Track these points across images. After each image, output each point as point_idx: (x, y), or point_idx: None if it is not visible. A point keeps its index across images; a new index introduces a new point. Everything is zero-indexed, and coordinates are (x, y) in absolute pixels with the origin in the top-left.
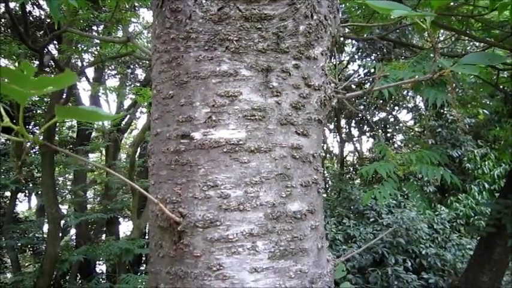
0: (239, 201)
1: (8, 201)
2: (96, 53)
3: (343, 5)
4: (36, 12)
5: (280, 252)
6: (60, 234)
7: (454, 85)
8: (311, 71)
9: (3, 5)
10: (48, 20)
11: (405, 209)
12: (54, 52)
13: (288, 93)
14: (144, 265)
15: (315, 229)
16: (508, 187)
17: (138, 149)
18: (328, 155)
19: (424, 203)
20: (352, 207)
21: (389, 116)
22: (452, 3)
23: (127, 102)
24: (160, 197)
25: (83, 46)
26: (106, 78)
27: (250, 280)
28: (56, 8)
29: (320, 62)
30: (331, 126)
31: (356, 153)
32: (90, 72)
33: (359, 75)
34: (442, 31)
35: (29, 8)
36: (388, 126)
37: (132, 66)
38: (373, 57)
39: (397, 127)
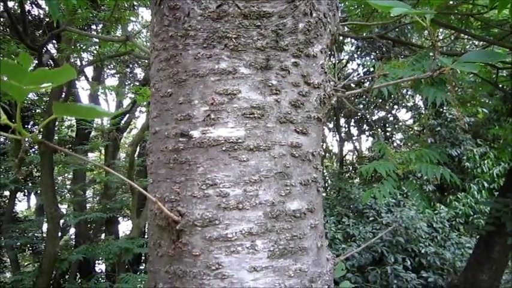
0: (238, 200)
1: (7, 201)
2: (95, 52)
3: (342, 4)
4: (35, 11)
5: (279, 251)
6: (60, 234)
7: (453, 84)
8: (310, 69)
9: (1, 3)
10: (47, 19)
11: (404, 208)
12: (53, 51)
13: (287, 91)
14: (144, 264)
15: (315, 228)
16: (508, 186)
17: (138, 148)
18: (327, 154)
19: (424, 202)
20: (351, 206)
21: (389, 115)
22: (451, 2)
23: (126, 102)
24: (159, 195)
25: (81, 45)
26: (105, 77)
27: (249, 279)
28: (55, 6)
29: (319, 60)
30: (331, 125)
31: (355, 152)
32: (89, 71)
33: (358, 74)
34: (441, 30)
35: (27, 7)
36: (387, 125)
37: (131, 66)
38: (372, 56)
39: (396, 126)
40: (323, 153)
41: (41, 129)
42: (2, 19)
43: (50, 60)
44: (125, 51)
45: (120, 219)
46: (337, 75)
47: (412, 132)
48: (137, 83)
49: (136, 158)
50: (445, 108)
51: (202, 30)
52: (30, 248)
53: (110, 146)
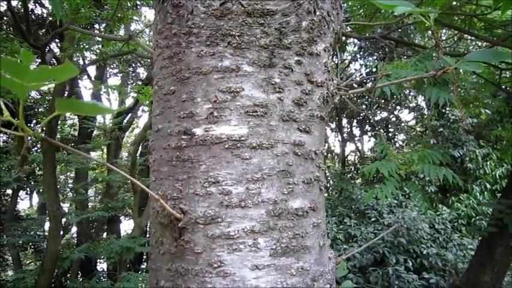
0: (240, 197)
1: (9, 199)
2: (98, 51)
3: (345, 4)
4: (39, 10)
5: (281, 249)
6: (62, 232)
7: (457, 84)
8: (314, 68)
9: (5, 2)
10: (50, 18)
11: (406, 209)
12: (56, 50)
13: (291, 90)
14: (145, 263)
15: (317, 226)
16: (510, 187)
17: (140, 148)
18: (329, 155)
19: (426, 203)
20: (353, 206)
21: (391, 116)
22: (455, 3)
23: (129, 101)
24: (161, 193)
25: (84, 44)
26: (108, 76)
27: (251, 277)
28: (58, 5)
29: (323, 59)
30: (333, 126)
31: (357, 152)
32: (91, 70)
33: (361, 74)
34: (444, 31)
35: (31, 5)
36: (389, 125)
37: (133, 65)
38: (375, 57)
39: (398, 127)
40: (325, 154)
41: (44, 128)
42: (5, 18)
43: (53, 59)
44: (127, 50)
45: (121, 218)
46: (339, 76)
47: (414, 133)
48: (140, 83)
49: (138, 157)
50: (447, 109)
51: (205, 28)
52: (32, 247)
53: (112, 145)
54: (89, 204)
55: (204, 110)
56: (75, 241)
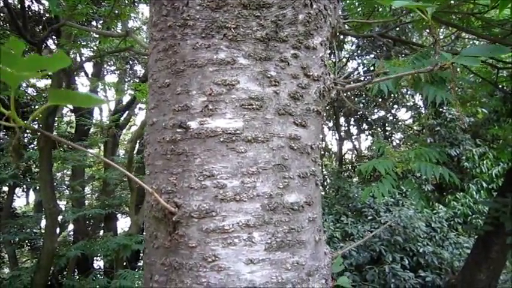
0: (235, 191)
1: (5, 196)
2: (95, 48)
3: (343, 3)
4: (35, 6)
5: (276, 243)
6: (58, 230)
7: (454, 82)
8: (310, 61)
9: None
10: (47, 15)
11: (403, 207)
12: (53, 47)
13: (287, 83)
14: (142, 261)
15: (313, 221)
16: (506, 186)
17: (137, 145)
18: (326, 153)
19: (422, 201)
20: (350, 205)
21: (388, 115)
22: (452, 1)
23: (126, 99)
24: (156, 187)
25: (81, 41)
26: (105, 74)
27: (246, 272)
28: (54, 0)
29: (319, 52)
30: (330, 124)
31: (355, 151)
32: (89, 67)
33: (358, 73)
34: (441, 30)
35: (27, 2)
36: (387, 124)
37: (131, 62)
38: (373, 55)
39: (396, 125)
40: (322, 152)
41: (40, 122)
42: (1, 14)
43: (50, 56)
44: (125, 47)
45: (118, 215)
46: (337, 74)
47: (411, 131)
48: (137, 80)
49: (135, 155)
50: (444, 108)
51: (201, 20)
52: (29, 244)
53: (109, 142)
54: (86, 201)
55: (199, 103)
56: (72, 239)
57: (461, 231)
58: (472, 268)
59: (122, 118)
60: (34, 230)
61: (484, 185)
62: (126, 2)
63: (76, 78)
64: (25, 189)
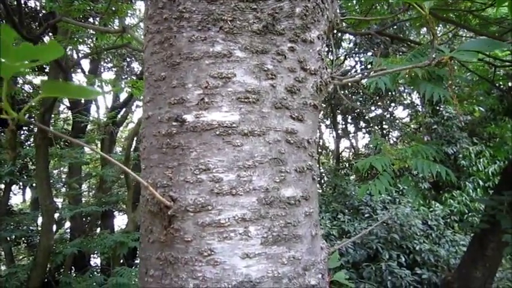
0: (231, 185)
1: (2, 193)
2: (92, 44)
3: (341, 0)
4: (32, 3)
5: (273, 238)
6: (55, 227)
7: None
8: (307, 55)
9: None
10: (44, 11)
11: (400, 205)
12: None
13: (283, 77)
14: (139, 258)
15: (309, 216)
16: (503, 184)
17: (134, 142)
18: (324, 151)
19: (419, 199)
20: (347, 202)
21: (386, 113)
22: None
23: (123, 96)
24: (151, 181)
25: (78, 37)
26: (102, 71)
27: (242, 266)
28: None
29: (316, 46)
30: (328, 122)
31: (352, 149)
32: (85, 64)
33: (356, 70)
34: (439, 28)
35: None
36: (384, 122)
37: (128, 59)
38: (370, 53)
39: (393, 123)
40: (320, 150)
41: (36, 120)
42: None
43: None
44: (121, 43)
45: (115, 213)
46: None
47: (408, 130)
48: (134, 77)
49: (132, 152)
50: (441, 106)
51: (197, 13)
52: (25, 241)
53: (106, 139)
54: (83, 199)
55: (195, 96)
56: (69, 236)
57: (457, 229)
58: (468, 266)
59: (119, 115)
60: (31, 227)
61: (481, 183)
62: None
63: (73, 75)
64: (22, 187)
